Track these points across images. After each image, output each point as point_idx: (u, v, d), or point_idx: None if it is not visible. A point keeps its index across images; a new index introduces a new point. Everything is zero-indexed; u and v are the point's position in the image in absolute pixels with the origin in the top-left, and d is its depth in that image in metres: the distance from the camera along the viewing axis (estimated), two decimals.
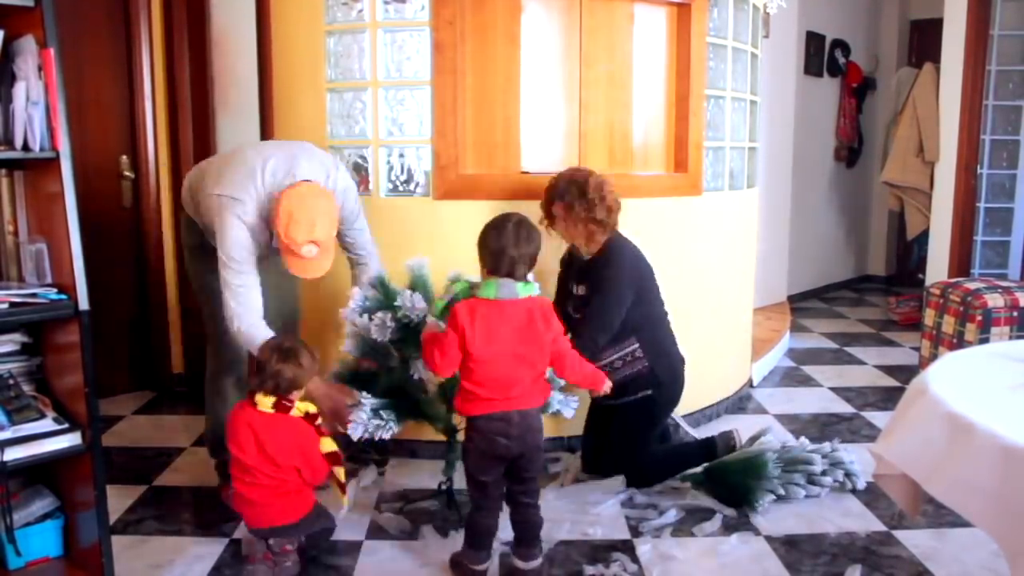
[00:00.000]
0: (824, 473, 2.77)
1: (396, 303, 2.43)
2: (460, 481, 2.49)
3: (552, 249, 2.86)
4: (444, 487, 2.65)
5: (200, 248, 2.60)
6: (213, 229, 2.40)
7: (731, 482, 2.69)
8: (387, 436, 2.40)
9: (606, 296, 2.64)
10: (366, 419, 2.36)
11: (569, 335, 2.41)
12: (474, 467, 2.21)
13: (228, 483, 2.40)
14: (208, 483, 2.86)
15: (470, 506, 2.28)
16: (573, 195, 2.65)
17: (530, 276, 2.22)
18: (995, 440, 1.47)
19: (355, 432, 2.37)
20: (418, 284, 2.57)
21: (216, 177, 2.44)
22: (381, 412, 2.38)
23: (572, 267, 2.84)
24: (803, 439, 2.99)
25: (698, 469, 2.81)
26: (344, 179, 2.55)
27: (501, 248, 2.14)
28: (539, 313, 2.19)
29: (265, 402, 2.21)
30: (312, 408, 2.27)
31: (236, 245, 2.34)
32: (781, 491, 2.68)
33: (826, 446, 2.91)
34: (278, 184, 2.37)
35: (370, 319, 2.45)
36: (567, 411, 2.59)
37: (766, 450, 2.79)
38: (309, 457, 2.23)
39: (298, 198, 2.27)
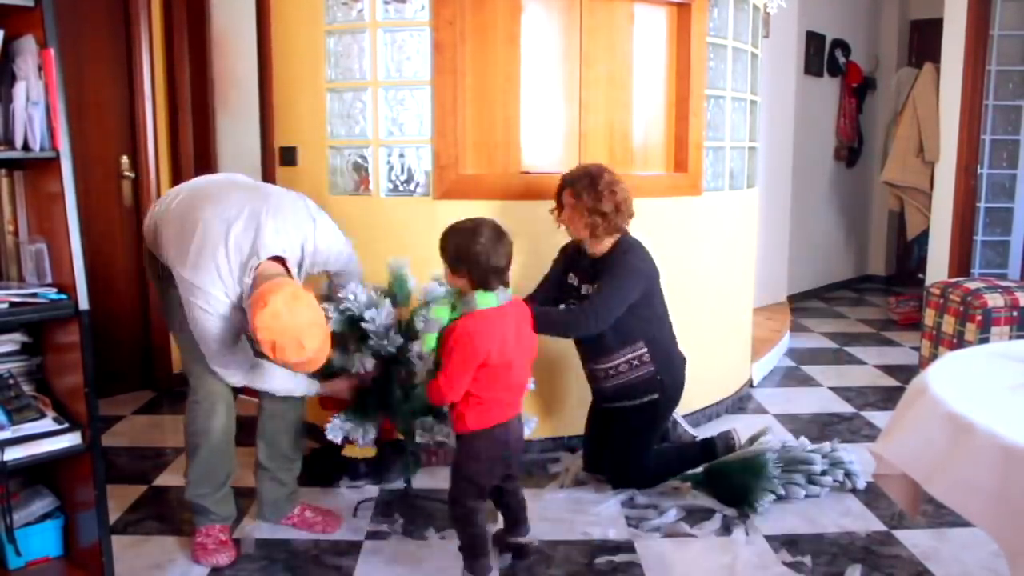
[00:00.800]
0: (824, 473, 2.78)
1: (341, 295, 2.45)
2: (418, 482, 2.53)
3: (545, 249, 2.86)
4: (406, 488, 2.67)
5: (169, 283, 2.24)
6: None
7: (731, 482, 2.69)
8: (370, 437, 2.46)
9: (613, 288, 2.62)
10: (340, 423, 2.43)
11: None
12: (482, 474, 2.21)
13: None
14: None
15: (461, 520, 2.23)
16: (583, 184, 2.64)
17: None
18: (995, 440, 1.47)
19: (334, 437, 2.43)
20: (397, 283, 2.57)
21: (178, 248, 2.14)
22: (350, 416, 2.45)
23: (577, 262, 2.82)
24: (803, 439, 2.99)
25: (698, 469, 2.81)
26: (324, 234, 2.29)
27: (489, 261, 2.11)
28: (523, 313, 2.25)
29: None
30: None
31: (209, 337, 2.12)
32: (781, 491, 2.68)
33: (826, 446, 2.92)
34: (243, 262, 2.10)
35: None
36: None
37: (766, 450, 2.79)
38: None
39: (274, 323, 1.92)
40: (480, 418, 2.16)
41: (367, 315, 2.41)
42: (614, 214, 2.64)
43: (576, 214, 2.66)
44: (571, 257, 2.85)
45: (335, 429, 2.44)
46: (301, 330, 1.95)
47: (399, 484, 2.76)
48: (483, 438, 2.18)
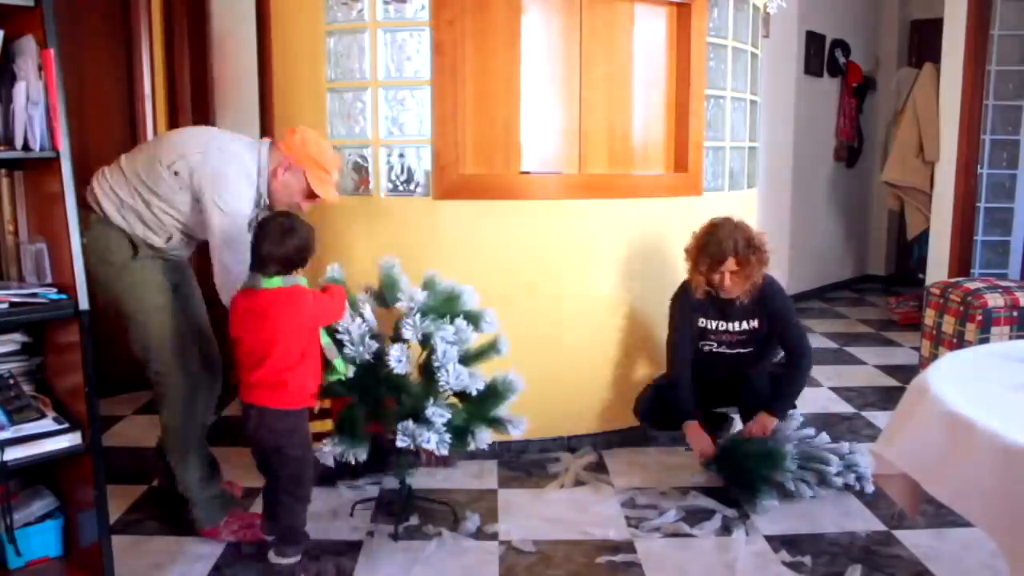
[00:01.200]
0: (838, 474, 2.77)
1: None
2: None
3: None
4: (402, 487, 2.66)
5: (144, 260, 2.40)
6: (200, 193, 2.31)
7: (744, 466, 2.69)
8: (363, 457, 2.46)
9: (794, 323, 2.94)
10: (331, 447, 2.44)
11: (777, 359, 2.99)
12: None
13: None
14: None
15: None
16: (746, 251, 2.77)
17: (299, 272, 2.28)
18: (996, 440, 1.47)
19: (327, 460, 2.45)
20: (387, 283, 2.57)
21: (194, 141, 2.39)
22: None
23: (705, 305, 2.90)
24: (823, 434, 2.93)
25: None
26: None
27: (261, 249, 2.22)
28: (285, 303, 2.23)
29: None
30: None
31: (240, 197, 2.34)
32: (790, 486, 2.67)
33: (844, 446, 2.89)
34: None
35: None
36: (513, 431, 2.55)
37: (788, 442, 2.79)
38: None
39: (312, 135, 2.45)
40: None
41: (340, 326, 2.41)
42: (764, 265, 2.81)
43: (740, 278, 2.78)
44: (697, 304, 2.92)
45: (326, 454, 2.44)
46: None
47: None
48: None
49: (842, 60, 6.51)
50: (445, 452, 2.41)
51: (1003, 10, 4.77)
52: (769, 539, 2.50)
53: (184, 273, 2.59)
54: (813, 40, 6.13)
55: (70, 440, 1.92)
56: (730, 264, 2.76)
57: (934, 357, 3.86)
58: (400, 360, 2.40)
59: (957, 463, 1.55)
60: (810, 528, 2.57)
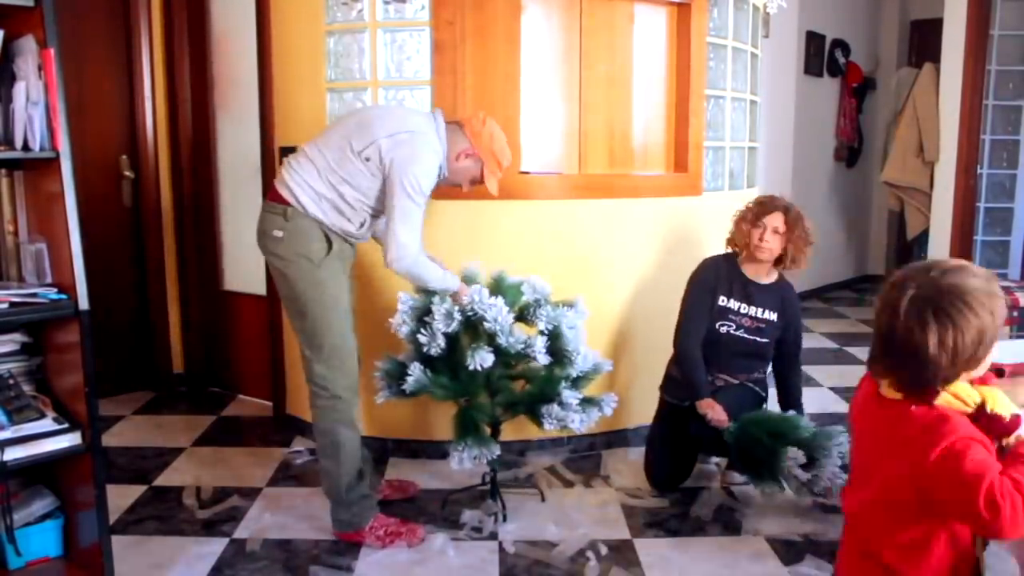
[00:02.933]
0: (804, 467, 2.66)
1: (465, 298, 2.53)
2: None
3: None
4: (488, 479, 2.69)
5: (334, 256, 2.43)
6: (391, 176, 2.33)
7: (756, 438, 2.64)
8: (496, 453, 2.54)
9: (800, 327, 3.01)
10: (462, 451, 2.48)
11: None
12: None
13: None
14: (207, 483, 2.87)
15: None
16: (798, 221, 2.80)
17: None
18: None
19: (458, 464, 2.49)
20: (470, 282, 2.64)
21: (380, 123, 2.38)
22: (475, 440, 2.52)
23: (730, 282, 2.88)
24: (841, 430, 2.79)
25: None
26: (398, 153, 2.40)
27: None
28: None
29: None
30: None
31: (429, 177, 2.37)
32: (803, 459, 2.58)
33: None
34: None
35: (428, 313, 2.53)
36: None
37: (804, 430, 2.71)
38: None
39: (498, 132, 2.49)
40: None
41: (488, 315, 2.47)
42: (806, 244, 2.83)
43: (779, 242, 2.79)
44: (721, 276, 2.89)
45: (459, 459, 2.49)
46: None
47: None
48: None
49: (842, 60, 6.51)
50: (583, 430, 2.60)
51: (1003, 10, 4.78)
52: (769, 539, 2.50)
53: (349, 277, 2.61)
54: (813, 40, 6.13)
55: (70, 440, 1.92)
56: (776, 218, 2.77)
57: None
58: (542, 351, 2.50)
59: None
60: (811, 529, 2.57)
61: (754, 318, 2.88)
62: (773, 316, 2.88)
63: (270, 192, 2.44)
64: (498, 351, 2.48)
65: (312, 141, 2.44)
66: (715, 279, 2.88)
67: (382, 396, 2.65)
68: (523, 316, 2.63)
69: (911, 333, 1.29)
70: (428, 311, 2.54)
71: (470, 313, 2.49)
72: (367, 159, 2.34)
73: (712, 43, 3.30)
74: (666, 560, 2.37)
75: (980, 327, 1.29)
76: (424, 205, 2.39)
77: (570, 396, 2.54)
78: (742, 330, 2.88)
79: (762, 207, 2.82)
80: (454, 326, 2.48)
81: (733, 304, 2.88)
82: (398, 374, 2.59)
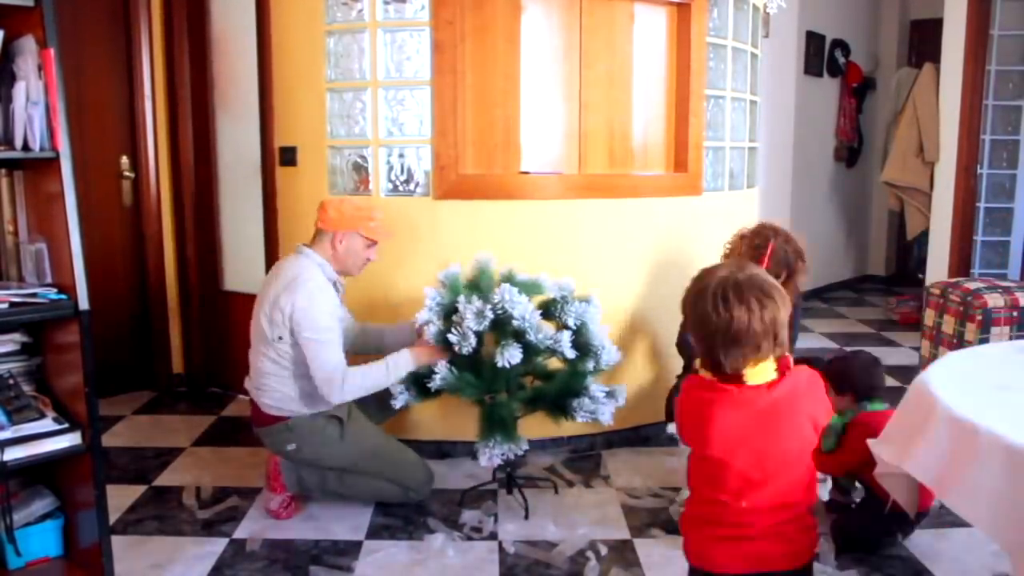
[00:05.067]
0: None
1: (495, 297, 2.55)
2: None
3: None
4: (505, 473, 2.74)
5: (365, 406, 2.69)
6: (298, 325, 2.46)
7: None
8: (525, 447, 2.58)
9: (793, 337, 2.88)
10: (492, 448, 2.52)
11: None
12: None
13: None
14: (207, 483, 2.87)
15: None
16: (792, 259, 2.74)
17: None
18: (998, 441, 1.47)
19: (488, 461, 2.55)
20: (483, 276, 2.68)
21: (268, 290, 2.53)
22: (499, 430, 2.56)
23: None
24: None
25: None
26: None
27: None
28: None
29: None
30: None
31: (326, 309, 2.50)
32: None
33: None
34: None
35: (455, 311, 2.57)
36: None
37: None
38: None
39: (336, 200, 2.65)
40: None
41: (516, 313, 2.51)
42: (802, 276, 2.79)
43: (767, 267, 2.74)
44: None
45: (489, 456, 2.54)
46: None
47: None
48: None
49: (842, 60, 6.51)
50: (611, 421, 2.65)
51: (1003, 10, 4.77)
52: None
53: None
54: (813, 40, 6.13)
55: (70, 440, 1.92)
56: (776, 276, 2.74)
57: (934, 357, 3.86)
58: (568, 346, 2.55)
59: (959, 464, 1.54)
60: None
61: None
62: None
63: (260, 418, 2.59)
64: (526, 348, 2.51)
65: (252, 349, 2.61)
66: None
67: (400, 400, 2.64)
68: (546, 313, 2.66)
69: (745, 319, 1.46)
70: (455, 309, 2.57)
71: (500, 311, 2.51)
72: (279, 337, 2.49)
73: (712, 43, 3.30)
74: (666, 560, 2.37)
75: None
76: (335, 328, 2.51)
77: (597, 389, 2.62)
78: None
79: (756, 252, 2.73)
80: (486, 324, 2.51)
81: None
82: (425, 372, 2.60)
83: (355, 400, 2.58)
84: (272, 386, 2.54)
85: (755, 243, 2.76)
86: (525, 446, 2.59)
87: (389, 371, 2.54)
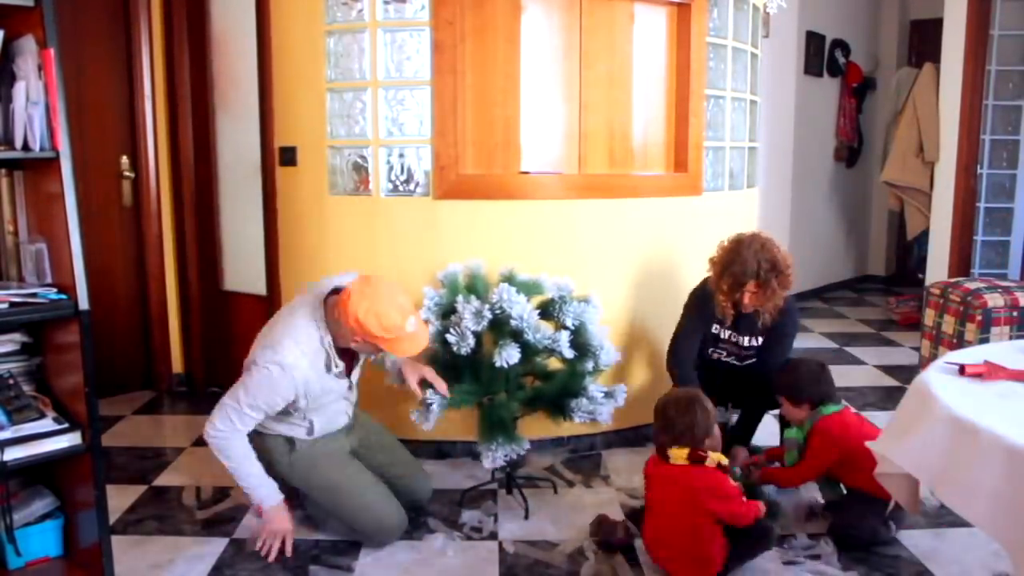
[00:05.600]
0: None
1: (494, 297, 2.56)
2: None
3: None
4: (505, 473, 2.74)
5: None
6: (252, 364, 2.31)
7: None
8: (527, 447, 2.60)
9: (789, 346, 2.91)
10: (494, 450, 2.53)
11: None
12: None
13: None
14: (207, 483, 2.87)
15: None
16: (769, 274, 2.71)
17: None
18: (999, 441, 1.47)
19: (491, 463, 2.55)
20: (477, 284, 2.70)
21: (259, 344, 2.37)
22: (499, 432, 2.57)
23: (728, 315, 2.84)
24: None
25: None
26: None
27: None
28: None
29: (679, 455, 2.21)
30: (724, 460, 2.24)
31: (268, 399, 2.30)
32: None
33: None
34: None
35: (453, 311, 2.57)
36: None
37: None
38: (731, 506, 2.21)
39: (370, 293, 2.22)
40: None
41: (514, 313, 2.52)
42: (786, 288, 2.78)
43: (759, 298, 2.76)
44: (713, 310, 2.86)
45: (492, 458, 2.55)
46: (394, 292, 2.28)
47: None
48: None
49: (842, 60, 6.51)
50: (610, 421, 2.69)
51: (1003, 10, 4.77)
52: None
53: None
54: (813, 40, 6.13)
55: (70, 440, 1.92)
56: (750, 287, 2.73)
57: (934, 357, 3.86)
58: (567, 346, 2.57)
59: (959, 464, 1.55)
60: (812, 528, 2.57)
61: (743, 347, 2.89)
62: (760, 341, 2.88)
63: None
64: (524, 348, 2.51)
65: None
66: (708, 309, 2.87)
67: (432, 418, 2.60)
68: (545, 312, 2.67)
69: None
70: (453, 309, 2.57)
71: (498, 311, 2.52)
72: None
73: (712, 43, 3.30)
74: None
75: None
76: (258, 416, 2.31)
77: (595, 389, 2.63)
78: (733, 357, 2.92)
79: (735, 280, 2.72)
80: (484, 324, 2.51)
81: (724, 333, 2.91)
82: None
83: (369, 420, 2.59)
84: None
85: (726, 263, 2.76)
86: (527, 446, 2.60)
87: (245, 477, 2.34)
